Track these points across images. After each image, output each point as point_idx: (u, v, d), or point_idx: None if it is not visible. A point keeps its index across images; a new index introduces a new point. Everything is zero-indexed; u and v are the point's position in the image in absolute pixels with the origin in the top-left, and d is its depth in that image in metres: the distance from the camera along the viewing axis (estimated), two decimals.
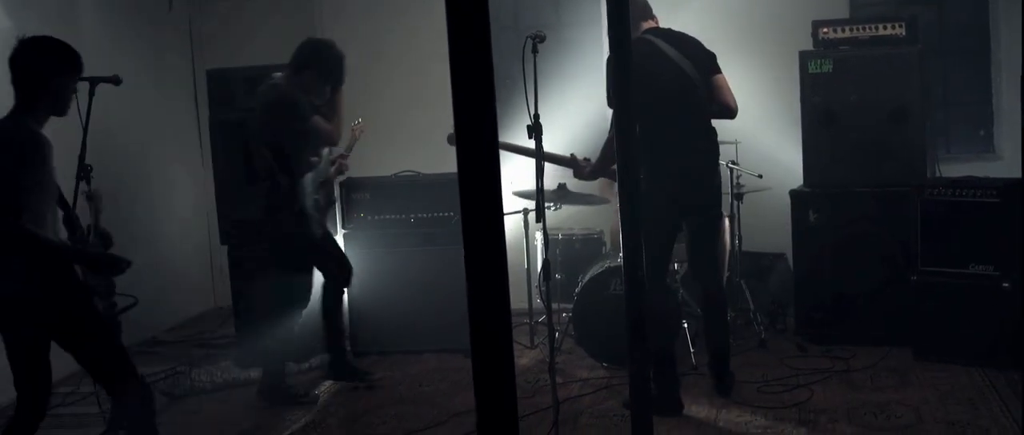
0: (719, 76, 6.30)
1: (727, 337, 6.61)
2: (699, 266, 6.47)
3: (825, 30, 7.37)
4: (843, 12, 8.33)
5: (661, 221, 6.01)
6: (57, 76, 4.63)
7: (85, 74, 5.34)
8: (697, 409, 6.19)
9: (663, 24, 7.80)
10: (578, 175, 6.49)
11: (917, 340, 6.87)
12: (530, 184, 5.60)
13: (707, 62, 6.24)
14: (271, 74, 6.23)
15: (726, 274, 7.83)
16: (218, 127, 7.51)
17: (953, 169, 7.63)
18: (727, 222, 7.60)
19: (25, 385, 4.84)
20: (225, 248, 7.72)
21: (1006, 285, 6.55)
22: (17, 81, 4.62)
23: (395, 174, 7.48)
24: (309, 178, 6.29)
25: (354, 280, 7.11)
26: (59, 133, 6.23)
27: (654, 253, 5.87)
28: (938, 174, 7.46)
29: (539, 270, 5.72)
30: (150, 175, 8.96)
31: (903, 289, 6.94)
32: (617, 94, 4.69)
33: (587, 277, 7.21)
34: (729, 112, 6.24)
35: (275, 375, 6.81)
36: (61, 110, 4.72)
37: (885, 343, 6.98)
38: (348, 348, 7.27)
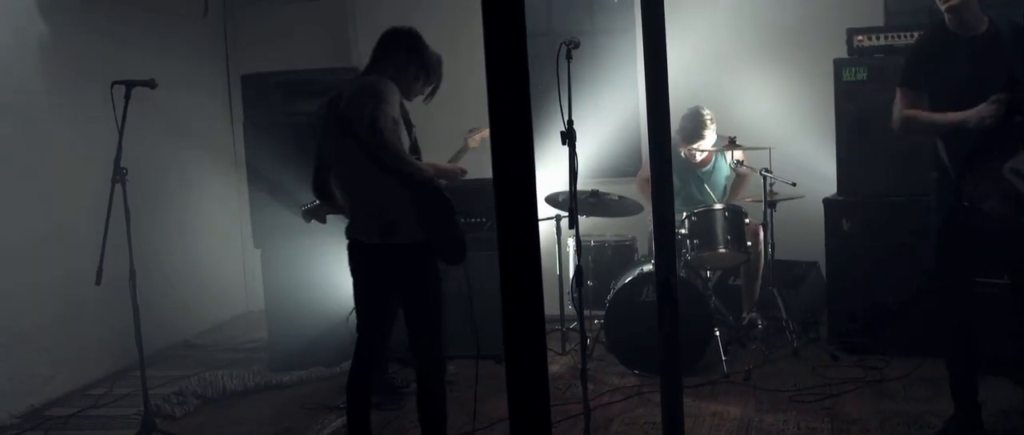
0: None
1: None
2: None
3: (860, 38, 7.33)
4: (878, 20, 8.30)
5: None
6: None
7: (120, 78, 5.37)
8: (730, 416, 6.17)
9: (694, 31, 7.83)
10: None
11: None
12: (563, 188, 5.60)
13: None
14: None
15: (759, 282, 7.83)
16: (252, 130, 7.53)
17: None
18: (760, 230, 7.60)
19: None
20: (258, 252, 7.74)
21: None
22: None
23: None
24: None
25: None
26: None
27: None
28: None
29: (571, 277, 5.70)
30: (184, 178, 9.02)
31: (937, 299, 6.89)
32: (651, 104, 4.69)
33: (619, 284, 7.20)
34: None
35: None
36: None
37: (919, 353, 6.92)
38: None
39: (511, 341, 2.29)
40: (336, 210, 5.41)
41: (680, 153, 7.84)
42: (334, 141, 5.11)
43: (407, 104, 5.24)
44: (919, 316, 7.02)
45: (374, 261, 5.14)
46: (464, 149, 6.79)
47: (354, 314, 5.31)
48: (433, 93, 5.46)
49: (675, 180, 8.12)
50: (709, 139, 7.78)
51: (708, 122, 7.74)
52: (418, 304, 5.15)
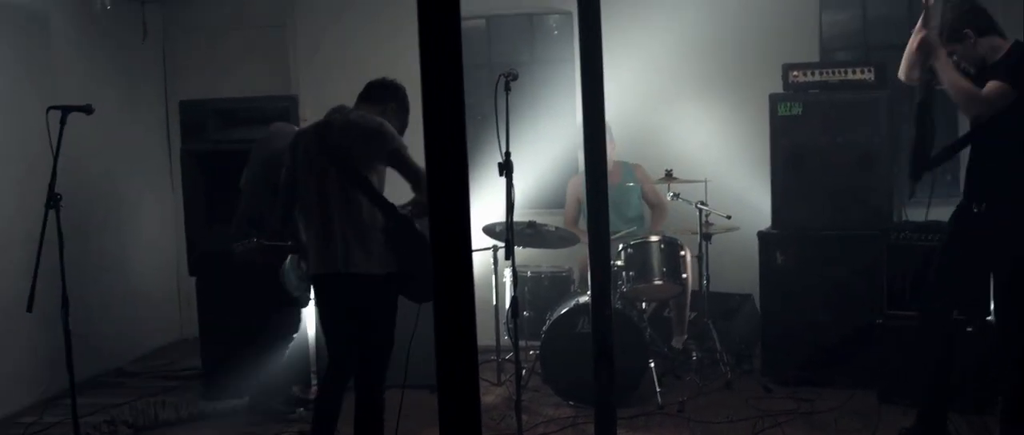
0: None
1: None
2: None
3: (795, 73, 7.43)
4: (814, 55, 8.41)
5: None
6: None
7: (57, 102, 5.33)
8: None
9: (632, 63, 7.91)
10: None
11: (882, 383, 6.89)
12: (501, 219, 5.62)
13: None
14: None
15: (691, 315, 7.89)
16: (189, 157, 7.49)
17: (920, 213, 7.67)
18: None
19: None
20: (193, 279, 7.69)
21: (970, 329, 6.59)
22: None
23: None
24: None
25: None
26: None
27: None
28: (905, 218, 7.51)
29: (507, 307, 5.71)
30: (120, 204, 8.95)
31: (869, 332, 6.97)
32: (588, 128, 4.73)
33: (555, 315, 7.22)
34: None
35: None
36: None
37: (850, 385, 7.00)
38: None
39: (444, 372, 2.31)
40: (279, 246, 5.58)
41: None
42: (317, 172, 5.29)
43: None
44: (850, 349, 7.10)
45: (344, 290, 5.31)
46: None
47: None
48: (402, 132, 5.67)
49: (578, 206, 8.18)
50: (607, 154, 7.81)
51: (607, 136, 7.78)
52: (375, 335, 5.38)
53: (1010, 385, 5.58)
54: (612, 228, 7.81)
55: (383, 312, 5.39)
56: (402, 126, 5.62)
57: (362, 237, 5.20)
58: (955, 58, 5.52)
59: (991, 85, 5.28)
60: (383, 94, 5.61)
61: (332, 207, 5.25)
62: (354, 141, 5.20)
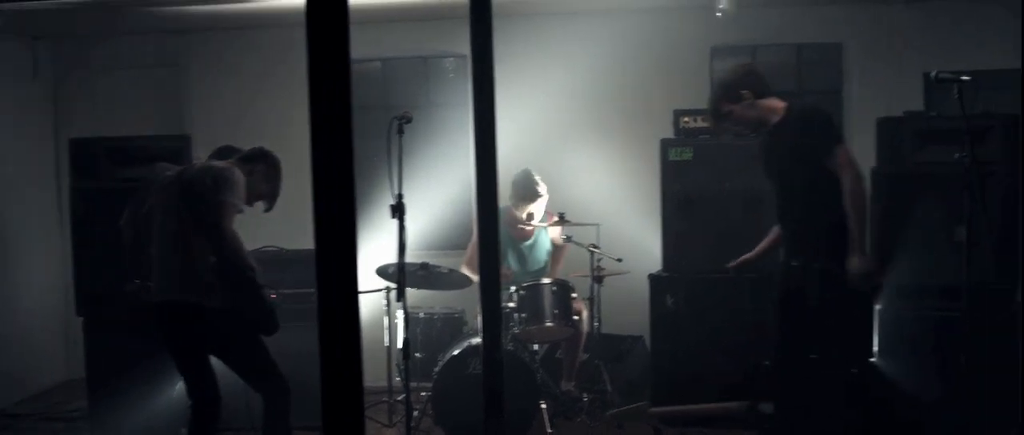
0: None
1: None
2: None
3: (686, 119, 7.56)
4: (704, 102, 8.50)
5: None
6: None
7: None
8: None
9: (530, 107, 8.01)
10: None
11: (770, 424, 6.99)
12: (394, 260, 5.64)
13: None
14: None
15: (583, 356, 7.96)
16: (79, 196, 7.39)
17: None
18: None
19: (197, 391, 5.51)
20: (80, 319, 7.58)
21: (854, 371, 6.72)
22: None
23: (259, 249, 7.44)
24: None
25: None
26: None
27: None
28: (793, 263, 7.64)
29: (399, 348, 5.72)
30: (6, 243, 8.79)
31: (757, 374, 7.07)
32: (480, 172, 4.77)
33: (447, 356, 7.22)
34: None
35: None
36: None
37: (740, 426, 7.09)
38: None
39: (329, 412, 2.31)
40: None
41: (508, 218, 7.97)
42: (166, 207, 5.53)
43: None
44: (740, 390, 7.20)
45: (188, 320, 5.48)
46: None
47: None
48: (272, 203, 5.96)
49: (515, 264, 8.24)
50: (542, 200, 7.90)
51: (539, 182, 7.87)
52: (235, 358, 5.63)
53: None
54: (516, 279, 7.90)
55: (231, 347, 5.60)
56: (271, 192, 5.89)
57: (194, 270, 5.42)
58: (733, 117, 5.97)
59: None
60: (253, 155, 5.85)
61: (174, 241, 5.48)
62: (203, 180, 5.42)
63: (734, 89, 5.94)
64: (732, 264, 6.46)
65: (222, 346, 5.56)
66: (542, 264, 8.25)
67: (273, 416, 5.62)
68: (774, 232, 6.25)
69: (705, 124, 7.47)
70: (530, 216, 7.96)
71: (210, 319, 5.43)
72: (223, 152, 6.00)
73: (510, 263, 8.21)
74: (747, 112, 5.92)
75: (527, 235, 8.16)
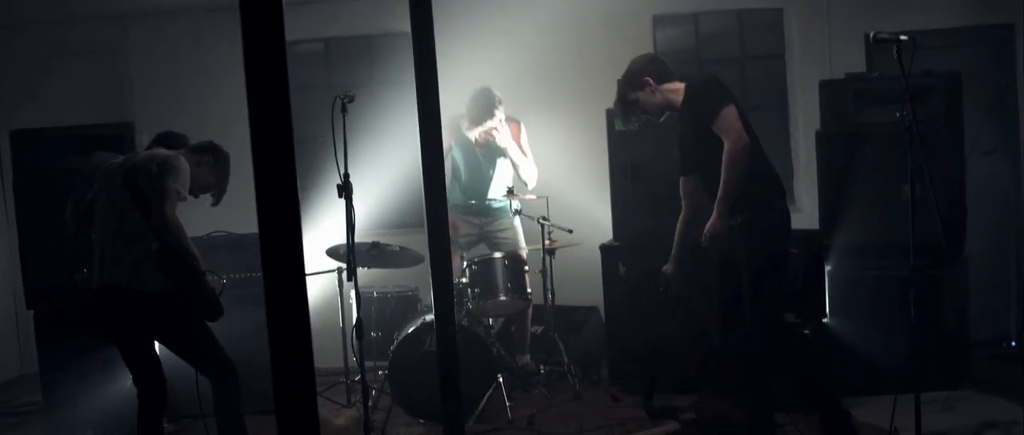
0: None
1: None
2: None
3: None
4: None
5: None
6: None
7: None
8: None
9: (473, 82, 7.99)
10: None
11: (726, 387, 7.02)
12: (344, 241, 5.61)
13: None
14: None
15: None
16: (22, 188, 7.31)
17: None
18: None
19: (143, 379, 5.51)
20: (31, 313, 7.51)
21: (806, 332, 6.78)
22: None
23: (208, 234, 7.39)
24: None
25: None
26: None
27: None
28: None
29: (353, 328, 5.71)
30: None
31: (711, 339, 7.11)
32: (425, 149, 4.76)
33: (402, 334, 7.22)
34: None
35: None
36: None
37: (696, 390, 7.13)
38: None
39: (281, 394, 2.31)
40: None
41: (469, 137, 7.95)
42: (110, 193, 5.55)
43: None
44: (694, 355, 7.23)
45: (129, 305, 5.48)
46: None
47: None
48: (220, 196, 6.02)
49: (463, 173, 8.21)
50: (499, 117, 7.85)
51: (498, 101, 7.81)
52: (178, 343, 5.64)
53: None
54: (464, 191, 7.94)
55: (174, 333, 5.61)
56: (218, 185, 5.95)
57: (134, 255, 5.43)
58: (639, 105, 6.15)
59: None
60: (202, 147, 5.89)
61: (115, 228, 5.49)
62: (148, 167, 5.44)
63: (636, 77, 6.12)
64: (662, 285, 6.47)
65: (165, 332, 5.57)
66: (490, 180, 8.25)
67: (223, 401, 5.63)
68: (678, 228, 6.40)
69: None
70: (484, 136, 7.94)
71: (152, 305, 5.44)
72: (162, 138, 5.99)
73: (461, 173, 8.20)
74: (651, 98, 6.10)
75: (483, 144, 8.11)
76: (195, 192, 5.75)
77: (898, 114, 4.91)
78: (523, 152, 8.06)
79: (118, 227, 5.45)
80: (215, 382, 5.60)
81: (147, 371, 5.53)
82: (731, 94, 5.83)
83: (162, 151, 5.58)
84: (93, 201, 5.68)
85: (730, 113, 5.66)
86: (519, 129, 8.09)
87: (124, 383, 6.62)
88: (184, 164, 5.48)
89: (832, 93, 7.29)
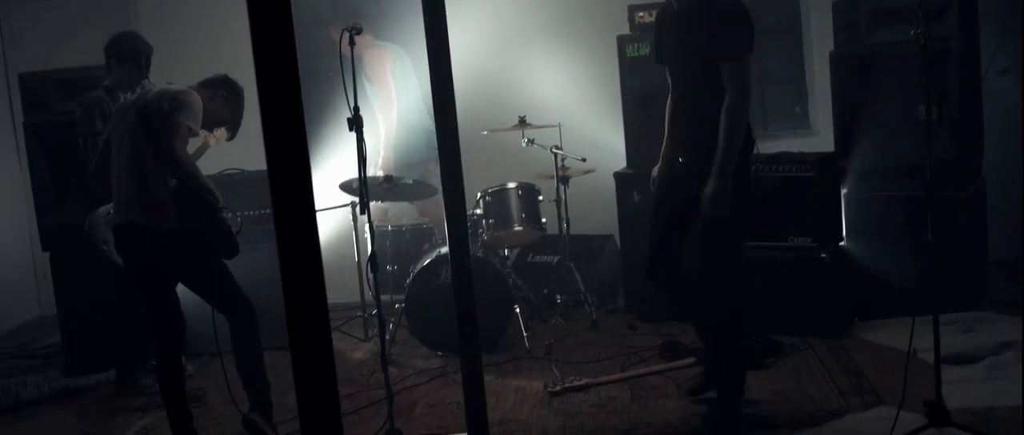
0: None
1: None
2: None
3: (641, 14, 7.49)
4: None
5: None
6: None
7: None
8: (533, 390, 6.26)
9: (479, 12, 7.91)
10: None
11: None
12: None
13: None
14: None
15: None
16: (33, 131, 7.30)
17: (771, 146, 7.83)
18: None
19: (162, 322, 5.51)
20: (47, 255, 7.53)
21: (823, 256, 6.76)
22: None
23: (220, 172, 7.38)
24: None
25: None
26: None
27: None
28: (756, 151, 7.64)
29: (367, 262, 5.71)
30: None
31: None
32: (436, 82, 4.73)
33: (417, 267, 7.22)
34: None
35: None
36: None
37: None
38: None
39: (295, 329, 2.30)
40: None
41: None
42: (124, 130, 5.49)
43: None
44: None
45: (146, 243, 5.45)
46: (204, 147, 6.68)
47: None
48: (235, 130, 5.99)
49: None
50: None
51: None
52: (196, 280, 5.62)
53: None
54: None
55: (192, 270, 5.58)
56: (232, 118, 5.90)
57: (150, 193, 5.40)
58: None
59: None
60: (215, 81, 5.82)
61: (130, 166, 5.44)
62: (160, 103, 5.38)
63: None
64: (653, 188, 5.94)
65: (183, 269, 5.54)
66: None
67: (240, 338, 5.63)
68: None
69: None
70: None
71: (169, 242, 5.41)
72: None
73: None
74: None
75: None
76: (209, 126, 5.72)
77: (913, 33, 4.84)
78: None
79: (133, 165, 5.41)
80: (232, 319, 5.60)
81: (166, 310, 5.52)
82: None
83: (173, 87, 5.53)
84: (107, 140, 5.66)
85: (748, 64, 5.30)
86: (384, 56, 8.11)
87: (142, 323, 6.65)
88: (196, 99, 5.43)
89: (846, 14, 7.21)
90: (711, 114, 5.26)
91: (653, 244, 5.74)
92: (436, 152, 4.72)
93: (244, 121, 5.93)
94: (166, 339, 5.54)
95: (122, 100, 5.74)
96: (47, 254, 7.55)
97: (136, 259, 5.54)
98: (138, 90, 5.78)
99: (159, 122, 5.29)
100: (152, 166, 5.37)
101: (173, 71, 6.64)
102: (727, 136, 5.20)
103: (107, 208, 6.02)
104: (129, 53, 6.58)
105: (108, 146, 5.65)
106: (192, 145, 5.65)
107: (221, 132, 6.06)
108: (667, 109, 5.82)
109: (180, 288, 5.62)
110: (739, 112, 5.22)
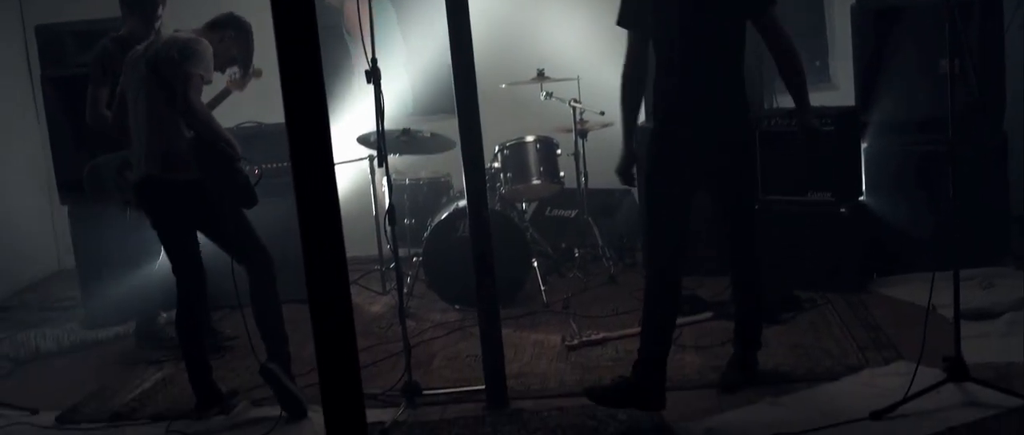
0: None
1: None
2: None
3: None
4: None
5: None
6: None
7: None
8: (550, 343, 6.27)
9: None
10: None
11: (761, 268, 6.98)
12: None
13: None
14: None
15: None
16: (49, 83, 7.30)
17: (790, 100, 7.73)
18: None
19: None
20: (65, 208, 7.54)
21: (843, 210, 6.73)
22: None
23: (237, 125, 7.37)
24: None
25: None
26: None
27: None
28: (776, 105, 7.61)
29: (385, 215, 5.70)
30: None
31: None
32: (454, 34, 4.71)
33: (435, 221, 7.21)
34: None
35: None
36: None
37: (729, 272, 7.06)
38: None
39: (313, 282, 2.29)
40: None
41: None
42: (138, 82, 5.43)
43: None
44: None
45: (166, 195, 5.46)
46: (225, 92, 6.65)
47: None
48: (247, 68, 5.95)
49: None
50: None
51: None
52: (216, 231, 5.59)
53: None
54: None
55: (212, 220, 5.55)
56: (243, 57, 5.83)
57: (168, 144, 5.37)
58: None
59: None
60: (222, 21, 5.74)
61: (146, 116, 5.41)
62: (169, 53, 5.32)
63: None
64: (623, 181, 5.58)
65: (203, 219, 5.53)
66: None
67: (259, 289, 5.60)
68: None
69: None
70: None
71: (189, 193, 5.39)
72: None
73: None
74: None
75: None
76: (221, 68, 5.68)
77: None
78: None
79: (148, 117, 5.39)
80: (251, 270, 5.58)
81: (187, 262, 5.54)
82: None
83: (182, 34, 5.49)
84: (123, 92, 5.63)
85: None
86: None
87: (162, 275, 6.66)
88: (205, 46, 5.38)
89: None
90: (723, 76, 5.06)
91: (669, 234, 5.16)
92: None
93: (264, 77, 5.88)
94: (187, 291, 5.55)
95: (133, 51, 5.70)
96: (65, 207, 7.56)
97: (158, 212, 5.53)
98: (150, 38, 5.75)
99: (171, 72, 5.24)
100: (167, 117, 5.33)
101: (192, 23, 6.60)
102: (802, 79, 5.19)
103: (108, 157, 6.09)
104: (138, 1, 6.53)
105: (124, 98, 5.62)
106: (208, 93, 5.62)
107: (240, 76, 6.05)
108: (629, 77, 5.39)
109: (202, 243, 5.62)
110: (797, 51, 5.14)
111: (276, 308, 5.62)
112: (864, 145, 7.06)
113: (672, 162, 5.16)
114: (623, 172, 5.36)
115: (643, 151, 5.31)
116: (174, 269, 5.57)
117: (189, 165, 5.34)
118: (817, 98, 7.41)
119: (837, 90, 8.42)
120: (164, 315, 6.97)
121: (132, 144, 5.57)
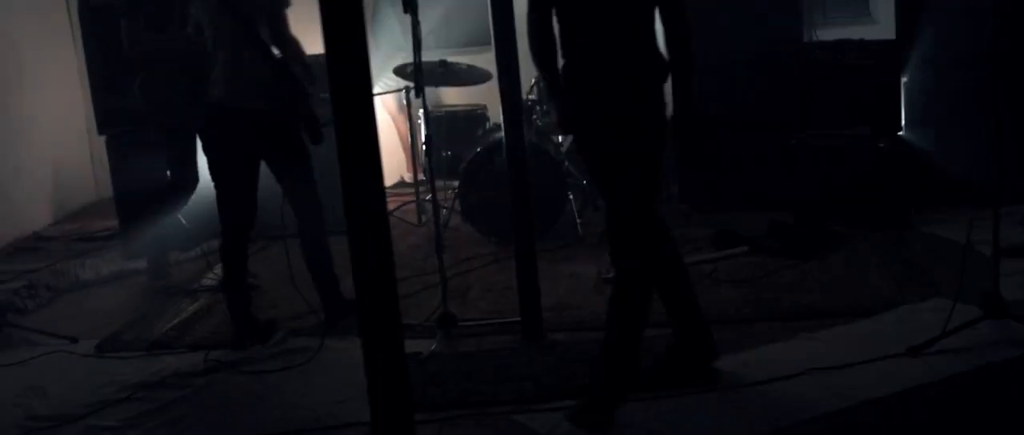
0: None
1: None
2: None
3: None
4: None
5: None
6: None
7: None
8: (586, 275, 6.30)
9: None
10: None
11: (798, 203, 6.96)
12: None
13: None
14: None
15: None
16: (87, 12, 7.29)
17: (830, 33, 7.70)
18: None
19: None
20: (103, 138, 7.57)
21: (882, 145, 6.69)
22: None
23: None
24: None
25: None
26: None
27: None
28: (816, 39, 7.53)
29: (422, 146, 5.70)
30: (21, 65, 8.70)
31: (785, 153, 7.03)
32: None
33: (471, 153, 7.20)
34: None
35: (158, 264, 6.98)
36: None
37: (767, 208, 7.05)
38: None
39: (352, 211, 2.30)
40: None
41: None
42: (215, 11, 5.35)
43: None
44: (766, 171, 7.16)
45: (237, 125, 5.41)
46: None
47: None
48: None
49: None
50: None
51: None
52: (281, 163, 5.59)
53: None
54: None
55: (280, 152, 5.55)
56: None
57: (243, 75, 5.34)
58: None
59: None
60: None
61: (230, 46, 5.35)
62: None
63: None
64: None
65: (268, 149, 5.54)
66: None
67: (308, 234, 5.62)
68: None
69: None
70: None
71: (260, 123, 5.39)
72: None
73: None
74: None
75: None
76: None
77: None
78: None
79: (225, 48, 5.36)
80: (299, 212, 5.59)
81: (245, 193, 5.53)
82: None
83: None
84: (197, 24, 5.58)
85: None
86: None
87: (201, 205, 6.67)
88: None
89: None
90: (640, 42, 4.68)
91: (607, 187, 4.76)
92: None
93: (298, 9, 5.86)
94: (238, 222, 5.55)
95: None
96: (103, 138, 7.59)
97: (227, 138, 5.48)
98: None
99: (253, 5, 5.27)
100: (245, 49, 5.29)
101: None
102: (689, 62, 4.72)
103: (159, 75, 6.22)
104: None
105: (198, 27, 5.57)
106: None
107: None
108: (537, 40, 4.46)
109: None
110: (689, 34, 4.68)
111: (324, 240, 5.60)
112: (904, 79, 7.00)
113: (594, 124, 4.63)
114: (562, 125, 4.92)
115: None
116: (223, 200, 5.53)
117: (263, 96, 5.32)
118: (857, 31, 7.37)
119: (877, 24, 8.33)
120: (176, 254, 7.03)
121: (196, 73, 5.60)
